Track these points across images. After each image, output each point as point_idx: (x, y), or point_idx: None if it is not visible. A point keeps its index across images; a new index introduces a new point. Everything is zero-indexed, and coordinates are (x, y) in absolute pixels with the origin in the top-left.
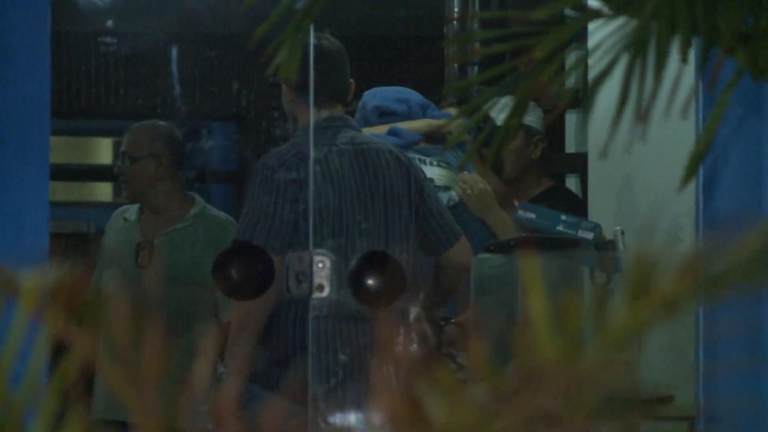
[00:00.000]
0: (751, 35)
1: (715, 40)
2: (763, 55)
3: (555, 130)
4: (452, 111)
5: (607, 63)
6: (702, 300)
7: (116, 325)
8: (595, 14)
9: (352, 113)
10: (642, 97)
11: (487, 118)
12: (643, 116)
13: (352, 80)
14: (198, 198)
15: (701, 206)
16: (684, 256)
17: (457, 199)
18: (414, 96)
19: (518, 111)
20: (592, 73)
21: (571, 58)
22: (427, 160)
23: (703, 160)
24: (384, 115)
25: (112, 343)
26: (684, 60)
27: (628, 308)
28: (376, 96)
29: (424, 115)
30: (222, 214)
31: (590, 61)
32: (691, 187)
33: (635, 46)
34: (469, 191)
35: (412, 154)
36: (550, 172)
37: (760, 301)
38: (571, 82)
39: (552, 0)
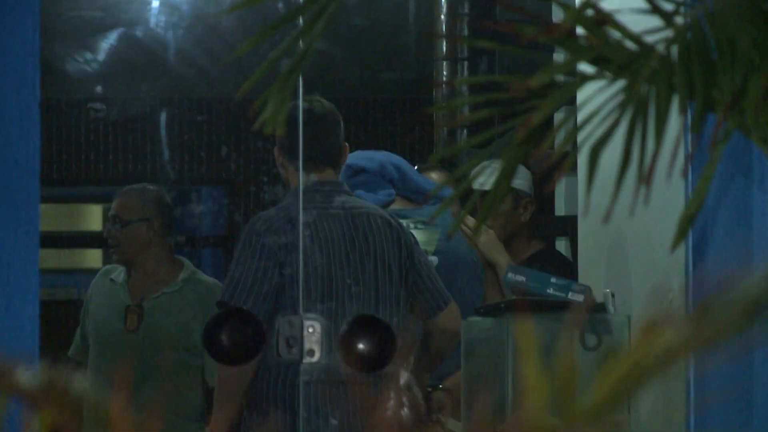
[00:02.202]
0: (740, 96)
1: (712, 101)
2: (752, 115)
3: (544, 193)
4: (434, 175)
5: (607, 127)
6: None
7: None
8: (589, 78)
9: None
10: (644, 159)
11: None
12: (646, 178)
13: (346, 144)
14: (187, 262)
15: (691, 266)
16: (674, 314)
17: (436, 262)
18: (392, 157)
19: (506, 176)
20: (582, 134)
21: (558, 118)
22: (403, 222)
23: (694, 221)
24: (355, 173)
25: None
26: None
27: (619, 367)
28: (351, 157)
29: (398, 175)
30: (211, 280)
31: (579, 120)
32: (681, 247)
33: (635, 109)
34: (481, 237)
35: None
36: (539, 234)
37: (751, 356)
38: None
39: (545, 65)
